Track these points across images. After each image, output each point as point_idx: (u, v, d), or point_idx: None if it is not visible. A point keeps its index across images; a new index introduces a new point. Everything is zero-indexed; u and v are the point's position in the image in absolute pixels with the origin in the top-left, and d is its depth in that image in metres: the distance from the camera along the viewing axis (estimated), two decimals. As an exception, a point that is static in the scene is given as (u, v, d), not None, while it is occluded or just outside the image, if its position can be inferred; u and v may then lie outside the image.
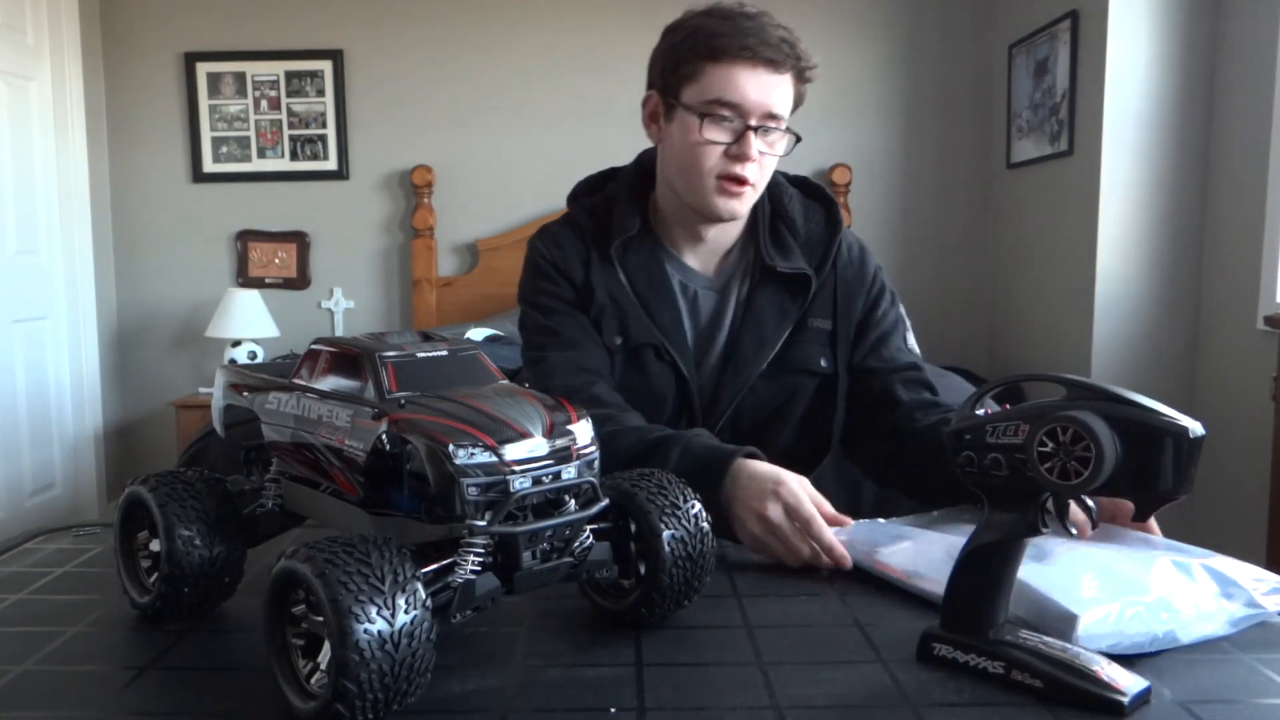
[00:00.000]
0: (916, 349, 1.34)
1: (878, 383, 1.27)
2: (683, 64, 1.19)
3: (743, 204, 1.22)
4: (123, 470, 3.82)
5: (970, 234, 3.90)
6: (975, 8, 3.80)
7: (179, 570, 0.78)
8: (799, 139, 1.22)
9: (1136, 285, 3.02)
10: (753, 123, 1.17)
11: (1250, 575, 0.81)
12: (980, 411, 0.72)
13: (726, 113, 1.17)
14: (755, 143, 1.17)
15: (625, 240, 1.27)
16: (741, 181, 1.19)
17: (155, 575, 0.81)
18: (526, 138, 3.81)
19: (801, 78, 1.20)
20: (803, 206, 1.33)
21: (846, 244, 1.32)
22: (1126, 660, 0.71)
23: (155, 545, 0.80)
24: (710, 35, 1.16)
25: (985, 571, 0.72)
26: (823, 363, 1.28)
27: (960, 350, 3.88)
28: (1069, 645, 0.70)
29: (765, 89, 1.16)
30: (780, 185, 1.33)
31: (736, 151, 1.18)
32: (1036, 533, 0.69)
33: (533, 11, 3.78)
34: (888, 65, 3.82)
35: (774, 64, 1.16)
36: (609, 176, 1.37)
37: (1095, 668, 0.67)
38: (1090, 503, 0.68)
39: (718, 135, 1.18)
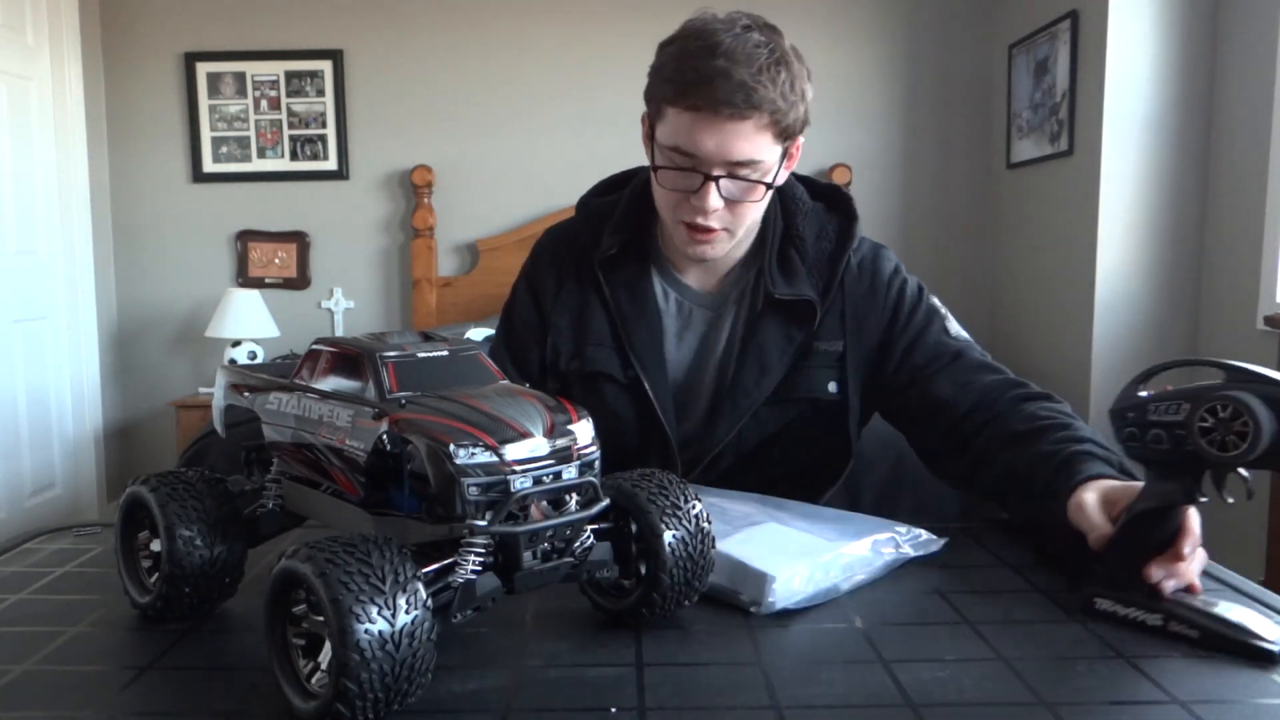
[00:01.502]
0: (962, 333, 1.23)
1: (915, 393, 1.18)
2: (653, 99, 1.13)
3: (713, 249, 1.16)
4: (123, 470, 3.82)
5: (970, 234, 3.90)
6: (975, 8, 3.80)
7: (179, 570, 0.78)
8: (770, 186, 1.12)
9: (1136, 285, 3.02)
10: (713, 172, 1.08)
11: (897, 529, 0.96)
12: (1143, 393, 0.80)
13: (685, 161, 1.09)
14: (715, 192, 1.09)
15: (612, 257, 1.23)
16: (705, 229, 1.13)
17: (156, 575, 0.81)
18: (526, 138, 3.81)
19: (777, 117, 1.07)
20: (818, 223, 1.25)
21: (856, 259, 1.24)
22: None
23: (156, 545, 0.80)
24: (670, 79, 1.08)
25: (1146, 534, 0.81)
26: (831, 388, 1.20)
27: (960, 350, 3.88)
28: (1218, 601, 0.79)
29: (722, 138, 1.06)
30: (796, 200, 1.25)
31: (696, 202, 1.10)
32: (1193, 500, 0.78)
33: (533, 12, 3.78)
34: (888, 65, 3.82)
35: (733, 111, 1.04)
36: (627, 179, 1.32)
37: (1245, 621, 0.75)
38: (1246, 474, 0.74)
39: (678, 183, 1.11)
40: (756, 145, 1.07)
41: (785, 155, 1.14)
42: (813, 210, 1.26)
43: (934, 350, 1.18)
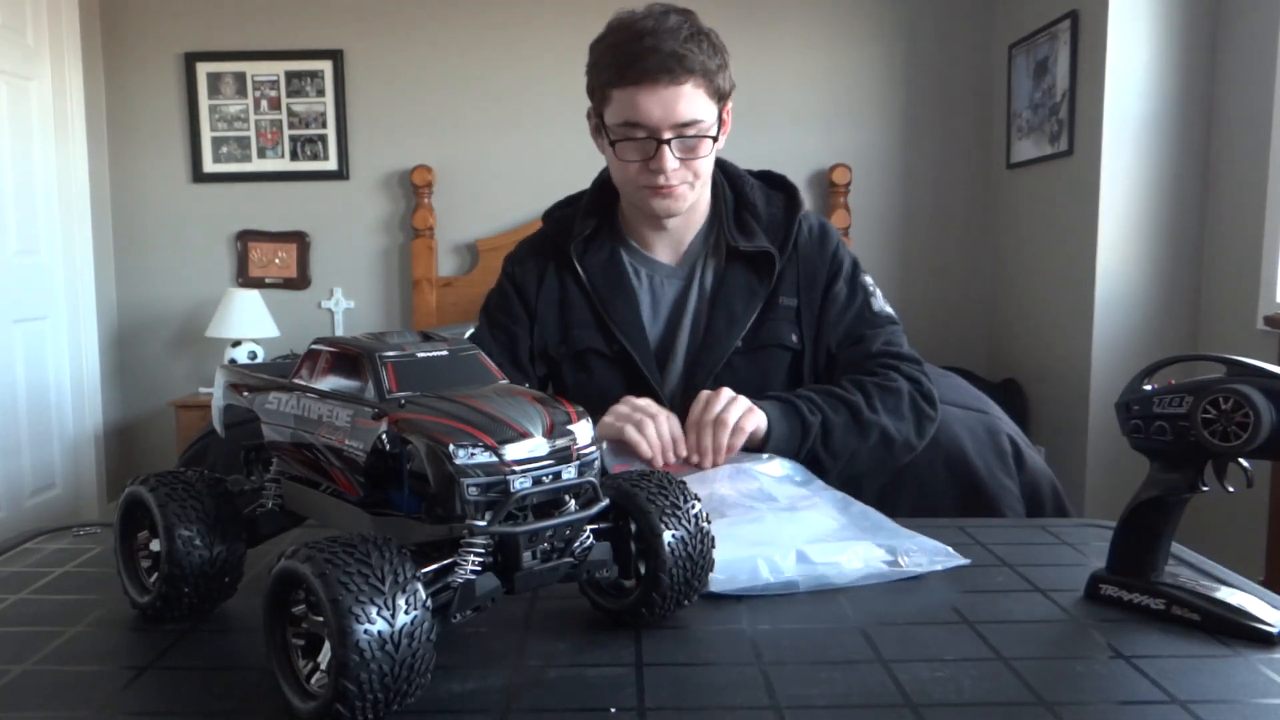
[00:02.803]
0: (887, 310, 1.38)
1: (836, 366, 1.34)
2: (595, 89, 1.27)
3: (677, 203, 1.29)
4: (123, 470, 3.82)
5: (970, 234, 3.90)
6: (975, 8, 3.80)
7: (179, 570, 0.78)
8: (715, 139, 1.26)
9: (1136, 285, 3.02)
10: (665, 136, 1.22)
11: (905, 541, 0.95)
12: (1147, 387, 0.82)
13: (638, 132, 1.22)
14: (670, 154, 1.23)
15: (585, 242, 1.37)
16: (667, 186, 1.26)
17: (155, 575, 0.81)
18: (526, 138, 3.81)
19: (709, 78, 1.22)
20: (765, 194, 1.40)
21: (808, 224, 1.38)
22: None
23: (155, 545, 0.80)
24: (607, 66, 1.22)
25: (1149, 523, 0.83)
26: (793, 338, 1.34)
27: (960, 350, 3.88)
28: (1219, 587, 0.82)
29: (667, 104, 1.20)
30: (741, 177, 1.40)
31: (654, 166, 1.24)
32: (1196, 490, 0.80)
33: (533, 11, 3.78)
34: (888, 65, 3.82)
35: (670, 78, 1.19)
36: (583, 195, 1.46)
37: (1245, 605, 0.78)
38: (1246, 463, 0.77)
39: (634, 154, 1.25)
40: (696, 105, 1.22)
41: (719, 118, 1.27)
42: (757, 185, 1.41)
43: (852, 323, 1.35)
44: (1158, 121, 2.96)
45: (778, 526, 0.95)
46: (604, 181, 1.41)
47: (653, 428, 1.14)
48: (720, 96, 1.25)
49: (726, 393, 1.18)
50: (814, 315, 1.35)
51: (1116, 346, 3.04)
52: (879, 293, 1.40)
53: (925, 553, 0.94)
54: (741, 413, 1.15)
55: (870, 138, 3.84)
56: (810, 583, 0.88)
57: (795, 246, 1.35)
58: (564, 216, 1.43)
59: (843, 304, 1.35)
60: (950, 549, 0.95)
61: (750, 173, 1.43)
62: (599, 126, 1.30)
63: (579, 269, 1.36)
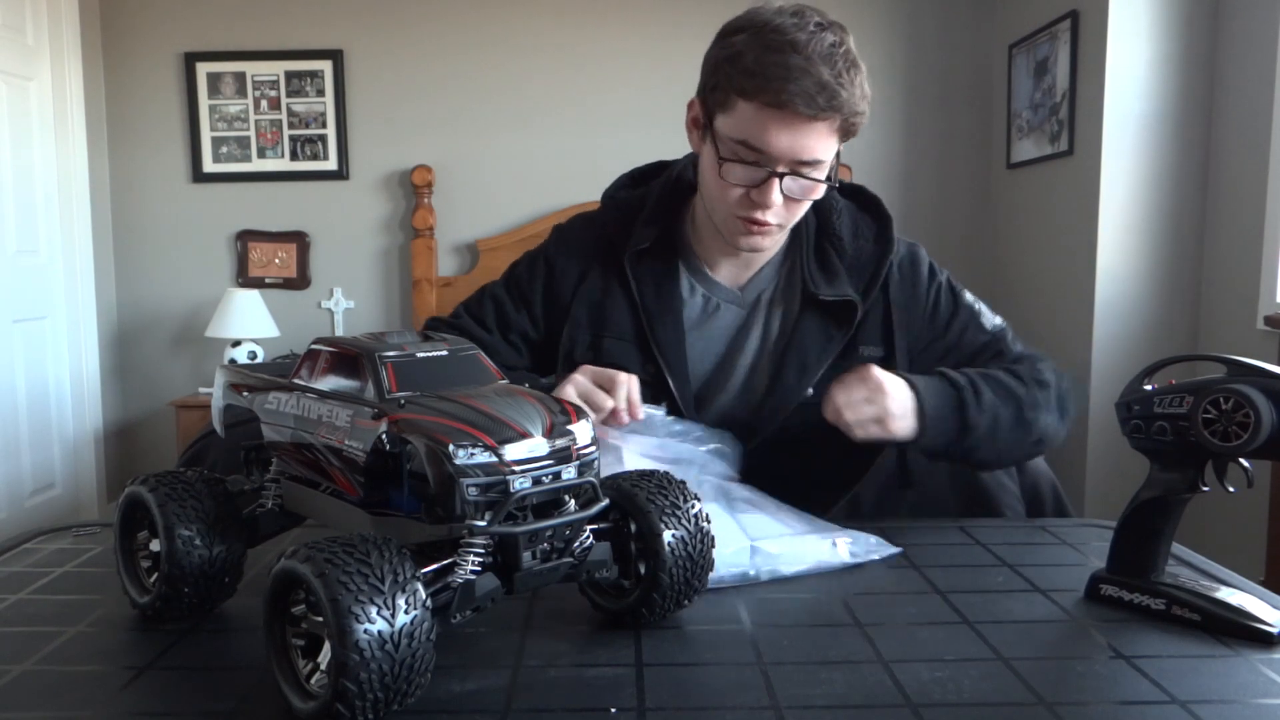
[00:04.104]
0: (997, 321, 1.27)
1: None
2: (719, 87, 1.10)
3: (764, 241, 1.17)
4: (123, 470, 3.82)
5: (970, 234, 3.90)
6: (975, 8, 3.80)
7: (179, 570, 0.78)
8: (831, 183, 1.14)
9: (1136, 285, 3.02)
10: (780, 169, 1.08)
11: (841, 535, 0.99)
12: (1147, 387, 0.82)
13: (751, 156, 1.08)
14: (778, 190, 1.09)
15: (641, 252, 1.23)
16: (762, 223, 1.13)
17: (155, 575, 0.81)
18: (526, 138, 3.81)
19: (848, 119, 1.08)
20: (852, 222, 1.25)
21: (896, 261, 1.24)
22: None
23: (155, 545, 0.80)
24: (748, 71, 1.05)
25: (1149, 523, 0.83)
26: None
27: (960, 350, 3.87)
28: (1219, 587, 0.82)
29: (795, 137, 1.05)
30: (829, 199, 1.24)
31: (757, 197, 1.10)
32: (1196, 490, 0.80)
33: (533, 11, 3.78)
34: (888, 65, 3.82)
35: (811, 111, 1.04)
36: (657, 170, 1.32)
37: (1246, 605, 0.79)
38: (1246, 463, 0.77)
39: (740, 177, 1.10)
40: (825, 145, 1.08)
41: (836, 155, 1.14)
42: (845, 209, 1.26)
43: (970, 352, 1.23)
44: (1158, 121, 2.96)
45: (731, 523, 0.97)
46: (677, 178, 1.28)
47: (610, 402, 1.06)
48: (846, 137, 1.11)
49: (872, 387, 1.06)
50: (905, 363, 1.21)
51: (1116, 347, 3.04)
52: (983, 306, 1.27)
53: (861, 543, 0.99)
54: (870, 420, 1.07)
55: (870, 138, 3.83)
56: (766, 574, 0.92)
57: (884, 289, 1.22)
58: (626, 202, 1.28)
59: (956, 337, 1.23)
60: (882, 539, 1.01)
61: (840, 187, 1.26)
62: (702, 122, 1.15)
63: (630, 279, 1.23)
